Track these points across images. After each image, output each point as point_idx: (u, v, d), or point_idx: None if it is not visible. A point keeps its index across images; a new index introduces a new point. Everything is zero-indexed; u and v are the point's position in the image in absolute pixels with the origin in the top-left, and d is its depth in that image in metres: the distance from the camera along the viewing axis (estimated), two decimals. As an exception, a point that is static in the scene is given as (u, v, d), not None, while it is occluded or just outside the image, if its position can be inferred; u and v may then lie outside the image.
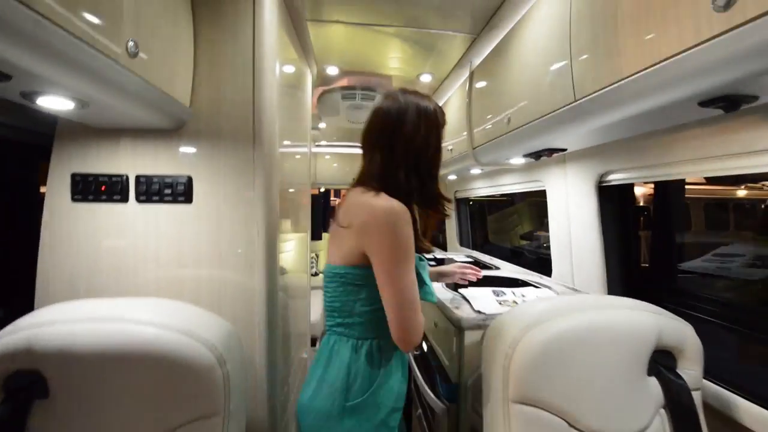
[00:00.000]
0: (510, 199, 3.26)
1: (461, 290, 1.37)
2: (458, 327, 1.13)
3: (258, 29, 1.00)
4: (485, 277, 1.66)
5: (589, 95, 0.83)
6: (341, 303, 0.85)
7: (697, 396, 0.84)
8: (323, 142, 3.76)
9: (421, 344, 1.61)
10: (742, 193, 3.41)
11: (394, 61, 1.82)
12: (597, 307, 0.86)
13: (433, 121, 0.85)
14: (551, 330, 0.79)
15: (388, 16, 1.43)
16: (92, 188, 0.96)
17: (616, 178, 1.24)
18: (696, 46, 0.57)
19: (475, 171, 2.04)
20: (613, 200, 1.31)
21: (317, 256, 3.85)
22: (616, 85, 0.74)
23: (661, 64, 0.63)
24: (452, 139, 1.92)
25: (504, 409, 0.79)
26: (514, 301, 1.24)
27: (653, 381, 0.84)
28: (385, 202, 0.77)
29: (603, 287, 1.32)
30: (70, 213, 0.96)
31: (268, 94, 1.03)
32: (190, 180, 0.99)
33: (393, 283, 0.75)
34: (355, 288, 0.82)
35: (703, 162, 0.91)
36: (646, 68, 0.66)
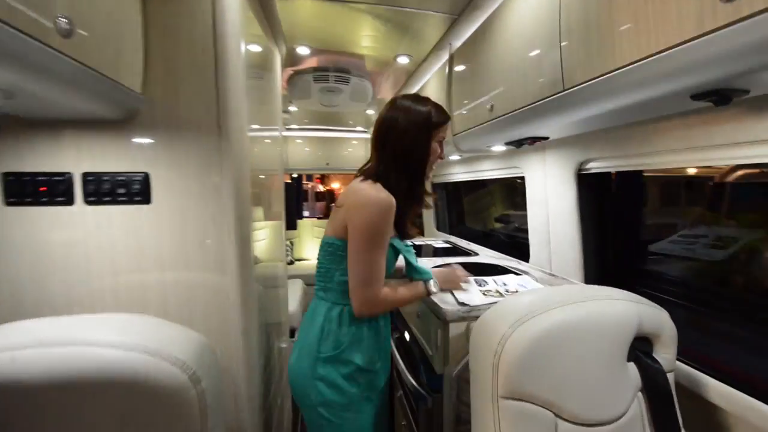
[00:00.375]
0: (483, 181, 3.29)
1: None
2: (442, 319, 1.12)
3: (218, 4, 0.88)
4: (465, 264, 1.67)
5: (579, 84, 0.80)
6: (325, 270, 1.01)
7: (671, 377, 0.88)
8: (294, 126, 3.59)
9: (403, 333, 1.60)
10: (692, 171, 3.70)
11: (367, 40, 1.72)
12: (581, 299, 0.86)
13: (422, 125, 0.95)
14: (538, 326, 0.78)
15: (359, 8, 1.33)
16: (29, 189, 0.83)
17: (595, 166, 1.24)
18: (698, 37, 0.54)
19: (454, 157, 2.02)
20: (591, 188, 1.32)
21: (291, 243, 3.76)
22: (608, 75, 0.72)
23: (660, 54, 0.61)
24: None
25: (494, 404, 0.79)
26: (497, 291, 1.24)
27: (632, 366, 0.87)
28: (373, 192, 0.91)
29: (580, 273, 1.36)
30: (5, 219, 0.83)
31: (234, 77, 0.93)
32: (146, 177, 0.88)
33: (358, 260, 0.91)
34: (338, 258, 0.97)
35: (685, 152, 0.92)
36: (643, 59, 0.64)
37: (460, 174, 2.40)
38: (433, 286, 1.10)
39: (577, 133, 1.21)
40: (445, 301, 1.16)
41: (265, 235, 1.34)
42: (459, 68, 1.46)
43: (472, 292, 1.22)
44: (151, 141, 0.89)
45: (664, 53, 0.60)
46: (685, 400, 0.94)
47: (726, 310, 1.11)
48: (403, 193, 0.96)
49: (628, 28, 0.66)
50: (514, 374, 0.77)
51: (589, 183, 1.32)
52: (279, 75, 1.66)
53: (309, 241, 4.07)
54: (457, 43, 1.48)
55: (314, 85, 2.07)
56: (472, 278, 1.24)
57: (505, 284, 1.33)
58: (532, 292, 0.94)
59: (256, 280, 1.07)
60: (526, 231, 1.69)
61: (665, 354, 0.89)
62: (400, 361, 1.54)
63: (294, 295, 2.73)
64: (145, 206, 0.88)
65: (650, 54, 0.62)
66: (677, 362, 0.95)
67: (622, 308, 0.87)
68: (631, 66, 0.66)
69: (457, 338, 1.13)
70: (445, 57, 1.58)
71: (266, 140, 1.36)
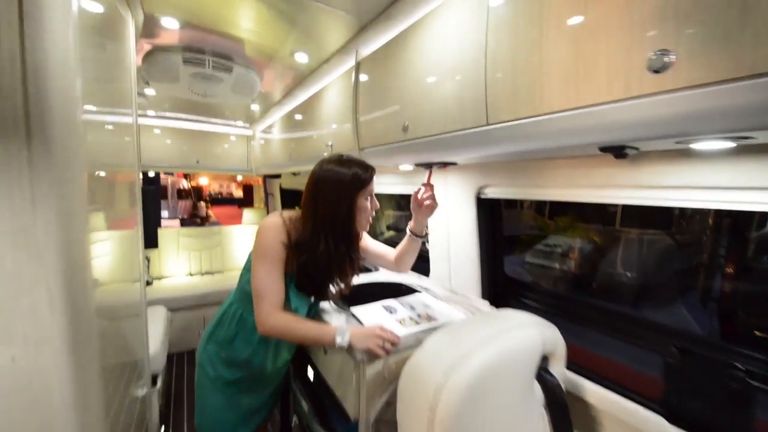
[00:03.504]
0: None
1: (353, 309, 1.25)
2: (358, 360, 1.01)
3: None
4: (364, 286, 1.59)
5: (504, 122, 0.80)
6: (240, 278, 1.16)
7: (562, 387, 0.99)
8: (151, 112, 2.87)
9: (305, 370, 1.42)
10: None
11: (255, 25, 1.44)
12: (498, 331, 0.88)
13: (347, 188, 1.02)
14: (471, 369, 0.76)
15: None
16: None
17: (493, 192, 1.34)
18: (625, 100, 0.58)
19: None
20: (487, 210, 1.42)
21: (148, 260, 3.00)
22: (535, 118, 0.73)
23: (587, 109, 0.64)
24: (327, 131, 1.72)
25: (428, 459, 0.73)
26: (411, 318, 1.20)
27: (536, 385, 0.94)
28: (266, 218, 1.07)
29: (478, 289, 1.45)
30: None
31: (55, 40, 0.60)
32: None
33: (252, 276, 1.03)
34: (248, 271, 1.08)
35: (570, 188, 1.04)
36: (571, 109, 0.66)
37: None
38: (341, 337, 0.97)
39: (479, 162, 1.27)
40: (361, 338, 1.05)
41: (110, 249, 0.96)
42: (367, 78, 1.36)
43: (389, 324, 1.14)
44: None
45: (593, 108, 0.63)
46: (571, 401, 1.07)
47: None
48: (339, 256, 1.07)
49: (557, 78, 0.68)
50: (452, 424, 0.72)
51: (485, 206, 1.42)
52: (132, 47, 1.24)
53: (173, 254, 3.33)
54: (366, 50, 1.38)
55: (184, 68, 1.65)
56: (398, 335, 1.03)
57: (413, 307, 1.30)
58: (450, 330, 0.92)
59: (96, 311, 0.73)
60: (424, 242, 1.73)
61: (558, 368, 0.99)
62: (303, 404, 1.35)
63: (155, 326, 2.16)
64: None
65: (578, 106, 0.65)
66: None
67: (530, 334, 0.92)
68: (559, 114, 0.68)
69: (373, 377, 1.03)
70: (352, 62, 1.46)
71: (110, 127, 0.98)
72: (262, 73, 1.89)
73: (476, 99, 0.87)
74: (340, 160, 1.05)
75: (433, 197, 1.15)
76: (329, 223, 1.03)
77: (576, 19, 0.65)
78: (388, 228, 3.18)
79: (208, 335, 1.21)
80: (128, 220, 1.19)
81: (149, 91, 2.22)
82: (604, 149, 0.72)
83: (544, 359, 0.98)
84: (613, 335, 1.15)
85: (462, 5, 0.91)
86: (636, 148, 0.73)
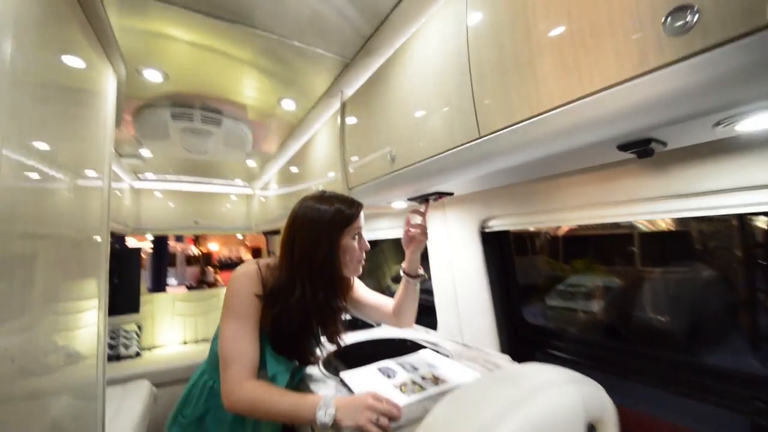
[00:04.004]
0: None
1: (342, 374, 1.03)
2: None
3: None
4: (361, 345, 1.38)
5: (498, 131, 0.69)
6: (212, 341, 1.00)
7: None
8: (150, 175, 2.90)
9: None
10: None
11: (244, 77, 1.45)
12: (527, 393, 0.67)
13: (328, 226, 0.89)
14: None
15: (234, 38, 1.12)
16: None
17: (498, 224, 1.19)
18: (640, 75, 0.47)
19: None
20: (494, 247, 1.26)
21: (140, 328, 2.79)
22: (532, 120, 0.62)
23: (593, 96, 0.52)
24: (320, 179, 1.65)
25: None
26: (414, 382, 0.98)
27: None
28: (239, 266, 0.92)
29: (495, 341, 1.23)
30: None
31: None
32: None
33: (220, 335, 0.85)
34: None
35: (589, 209, 0.90)
36: (574, 101, 0.55)
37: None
38: (323, 411, 0.75)
39: (478, 190, 1.15)
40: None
41: (37, 326, 0.79)
42: (352, 118, 1.31)
43: (385, 391, 0.92)
44: None
45: (602, 94, 0.51)
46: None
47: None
48: (318, 306, 0.90)
49: (553, 69, 0.58)
50: None
51: (492, 241, 1.26)
52: (111, 104, 1.21)
53: (167, 322, 3.12)
54: (350, 90, 1.35)
55: (173, 124, 1.64)
56: (397, 405, 0.81)
57: (416, 368, 1.08)
58: (464, 394, 0.71)
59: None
60: (429, 291, 1.53)
61: (609, 441, 0.75)
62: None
63: (134, 405, 1.89)
64: None
65: (583, 95, 0.53)
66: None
67: (567, 395, 0.71)
68: (561, 109, 0.57)
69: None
70: (337, 105, 1.43)
71: (64, 188, 0.88)
72: (253, 124, 1.88)
73: (464, 112, 0.77)
74: (322, 197, 0.94)
75: (422, 229, 1.00)
76: (306, 265, 0.88)
77: None
78: (394, 280, 2.98)
79: (172, 418, 1.00)
80: (84, 290, 1.04)
81: (145, 153, 2.23)
82: (624, 147, 0.59)
83: (591, 429, 0.75)
84: (671, 390, 0.91)
85: (438, 22, 0.86)
86: (663, 143, 0.59)
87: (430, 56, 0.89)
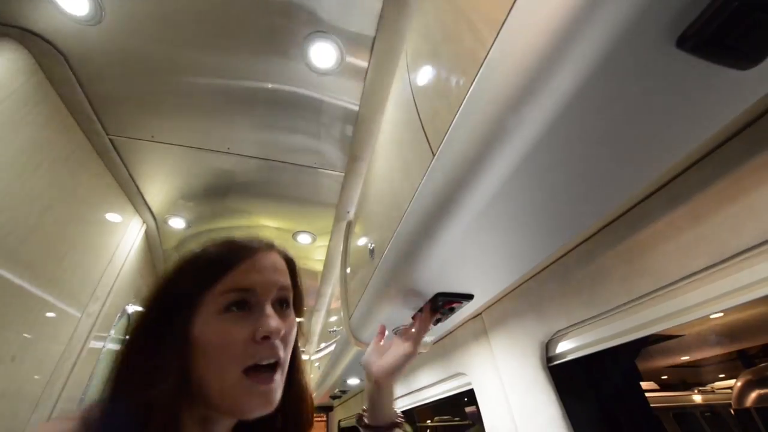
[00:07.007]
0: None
1: None
2: None
3: None
4: None
5: (446, 130, 0.42)
6: None
7: None
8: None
9: None
10: (697, 398, 3.11)
11: (257, 219, 1.48)
12: None
13: (195, 278, 0.42)
14: None
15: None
16: None
17: (570, 347, 0.68)
18: None
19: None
20: (580, 386, 0.70)
21: None
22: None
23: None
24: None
25: None
26: None
27: None
28: None
29: None
30: None
31: None
32: None
33: None
34: None
35: (706, 277, 0.43)
36: None
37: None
38: None
39: (516, 285, 0.73)
40: None
41: None
42: (355, 232, 1.12)
43: None
44: None
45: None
46: None
47: None
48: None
49: None
50: None
51: (569, 377, 0.71)
52: (134, 248, 1.26)
53: None
54: (354, 209, 1.23)
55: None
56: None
57: None
58: None
59: None
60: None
61: None
62: None
63: None
64: None
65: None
66: None
67: None
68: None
69: None
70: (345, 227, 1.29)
71: None
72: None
73: (415, 140, 0.52)
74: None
75: (413, 339, 0.59)
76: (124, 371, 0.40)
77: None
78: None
79: None
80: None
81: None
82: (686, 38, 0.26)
83: None
84: None
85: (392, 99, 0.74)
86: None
87: (388, 132, 0.73)
